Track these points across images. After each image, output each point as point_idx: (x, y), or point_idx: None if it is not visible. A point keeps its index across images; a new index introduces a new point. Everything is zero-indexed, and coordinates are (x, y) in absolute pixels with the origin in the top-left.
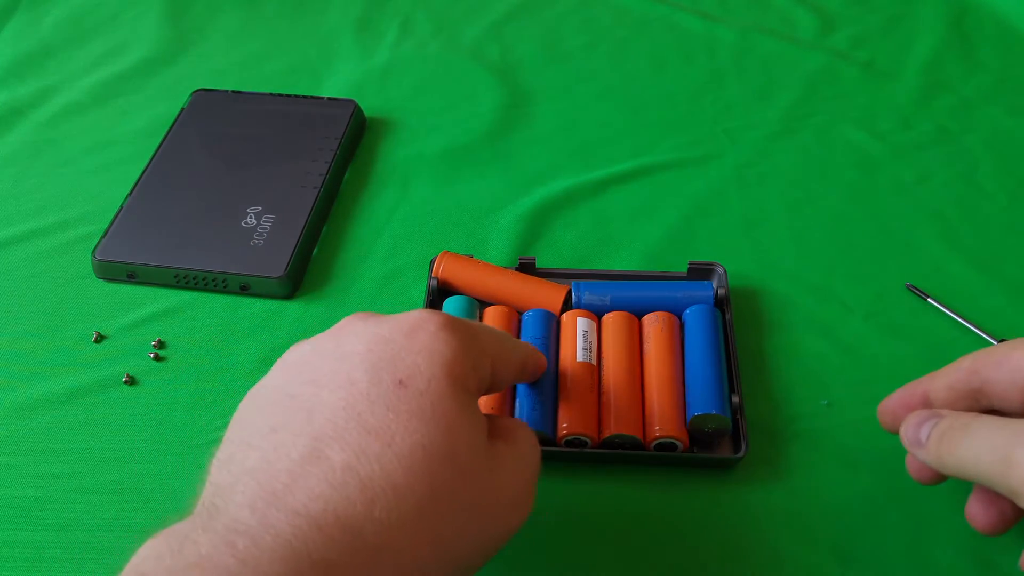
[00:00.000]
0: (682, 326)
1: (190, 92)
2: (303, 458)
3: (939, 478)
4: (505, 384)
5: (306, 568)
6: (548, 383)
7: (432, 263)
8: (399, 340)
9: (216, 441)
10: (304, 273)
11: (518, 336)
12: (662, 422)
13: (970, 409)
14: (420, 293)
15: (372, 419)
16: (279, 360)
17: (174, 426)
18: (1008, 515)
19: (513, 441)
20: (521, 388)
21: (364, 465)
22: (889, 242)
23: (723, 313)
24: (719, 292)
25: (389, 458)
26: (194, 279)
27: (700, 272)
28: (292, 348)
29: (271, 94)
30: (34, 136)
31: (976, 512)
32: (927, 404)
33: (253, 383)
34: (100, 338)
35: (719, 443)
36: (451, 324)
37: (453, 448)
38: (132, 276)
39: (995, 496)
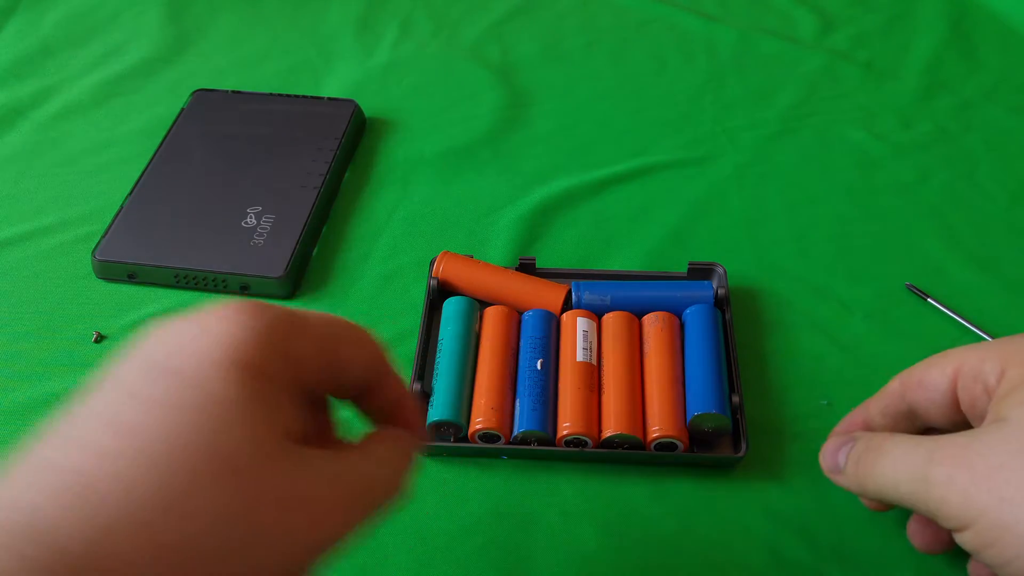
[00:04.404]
0: (682, 326)
1: (190, 92)
2: (30, 463)
3: (886, 504)
4: (353, 384)
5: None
6: (548, 383)
7: (432, 263)
8: (185, 327)
9: None
10: (304, 273)
11: (518, 337)
12: (662, 422)
13: (908, 431)
14: (420, 293)
15: (125, 414)
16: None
17: None
18: (943, 535)
19: (362, 453)
20: (521, 388)
21: (97, 467)
22: (889, 242)
23: (723, 313)
24: (719, 292)
25: (130, 457)
26: (194, 279)
27: (700, 272)
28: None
29: (271, 94)
30: (34, 136)
31: (914, 531)
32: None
33: None
34: (100, 338)
35: (719, 443)
36: (254, 308)
37: (217, 443)
38: (132, 276)
39: (929, 520)
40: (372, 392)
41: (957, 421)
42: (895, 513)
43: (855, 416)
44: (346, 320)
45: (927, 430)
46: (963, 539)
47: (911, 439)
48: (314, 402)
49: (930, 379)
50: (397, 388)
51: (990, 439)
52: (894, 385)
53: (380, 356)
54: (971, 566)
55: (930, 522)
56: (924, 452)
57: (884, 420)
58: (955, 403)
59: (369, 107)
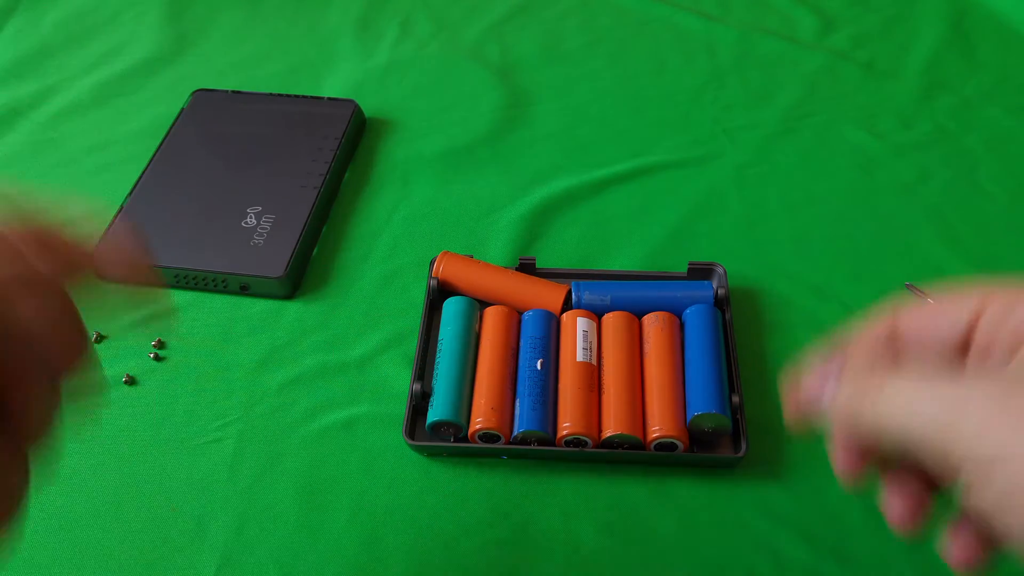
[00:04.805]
0: (682, 326)
1: (190, 92)
2: None
3: (862, 470)
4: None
5: None
6: (548, 383)
7: (432, 263)
8: None
9: (216, 441)
10: (304, 273)
11: (518, 337)
12: (662, 422)
13: None
14: (420, 293)
15: None
16: None
17: (174, 426)
18: (926, 502)
19: None
20: (521, 388)
21: None
22: (889, 242)
23: (723, 313)
24: (719, 292)
25: None
26: (194, 279)
27: (700, 272)
28: None
29: (271, 94)
30: (34, 136)
31: (955, 544)
32: None
33: (253, 383)
34: (100, 338)
35: (719, 443)
36: None
37: None
38: None
39: (914, 483)
40: None
41: (952, 365)
42: None
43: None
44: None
45: None
46: (990, 481)
47: (924, 373)
48: None
49: (945, 315)
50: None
51: None
52: (884, 316)
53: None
54: (950, 548)
55: (973, 531)
56: (954, 388)
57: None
58: (965, 345)
59: (369, 107)
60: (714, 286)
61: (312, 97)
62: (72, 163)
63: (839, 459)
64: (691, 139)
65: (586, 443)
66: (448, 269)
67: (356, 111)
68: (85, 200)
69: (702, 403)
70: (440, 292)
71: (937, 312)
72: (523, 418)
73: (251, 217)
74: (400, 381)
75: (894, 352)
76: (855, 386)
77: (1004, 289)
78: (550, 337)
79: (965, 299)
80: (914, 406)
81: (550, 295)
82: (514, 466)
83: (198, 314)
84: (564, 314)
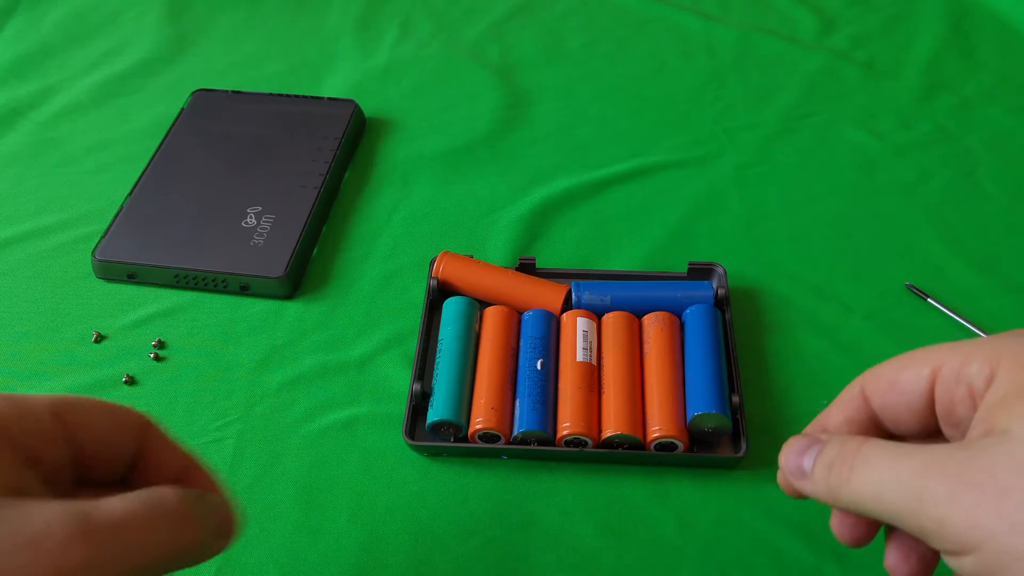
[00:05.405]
0: (682, 326)
1: (190, 92)
2: None
3: (865, 534)
4: (109, 454)
5: None
6: (548, 383)
7: (432, 263)
8: None
9: (216, 441)
10: (304, 273)
11: (518, 337)
12: (662, 422)
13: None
14: (420, 293)
15: None
16: None
17: (174, 426)
18: (928, 559)
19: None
20: (521, 388)
21: None
22: (889, 242)
23: (723, 313)
24: (719, 292)
25: None
26: (194, 279)
27: (700, 272)
28: None
29: (271, 94)
30: (34, 136)
31: (896, 562)
32: None
33: (253, 383)
34: (100, 338)
35: (719, 443)
36: None
37: None
38: (132, 276)
39: (914, 543)
40: (146, 463)
41: (930, 428)
42: None
43: (813, 427)
44: (91, 398)
45: (890, 438)
46: (962, 564)
47: (894, 446)
48: (65, 478)
49: (904, 381)
50: (176, 454)
51: (995, 455)
52: (855, 389)
53: (138, 423)
54: (890, 558)
55: (914, 549)
56: (916, 464)
57: (849, 430)
58: (931, 408)
59: (369, 107)
60: (714, 286)
61: (312, 97)
62: (72, 163)
63: (836, 525)
64: (691, 139)
65: (586, 443)
66: (448, 269)
67: (356, 111)
68: (85, 200)
69: (702, 403)
70: (440, 292)
71: (896, 381)
72: (523, 418)
73: (251, 217)
74: (400, 381)
75: (869, 420)
76: (829, 462)
77: (956, 347)
78: (550, 337)
79: (918, 364)
80: (881, 485)
81: (550, 295)
82: (514, 466)
83: (198, 314)
84: (564, 314)
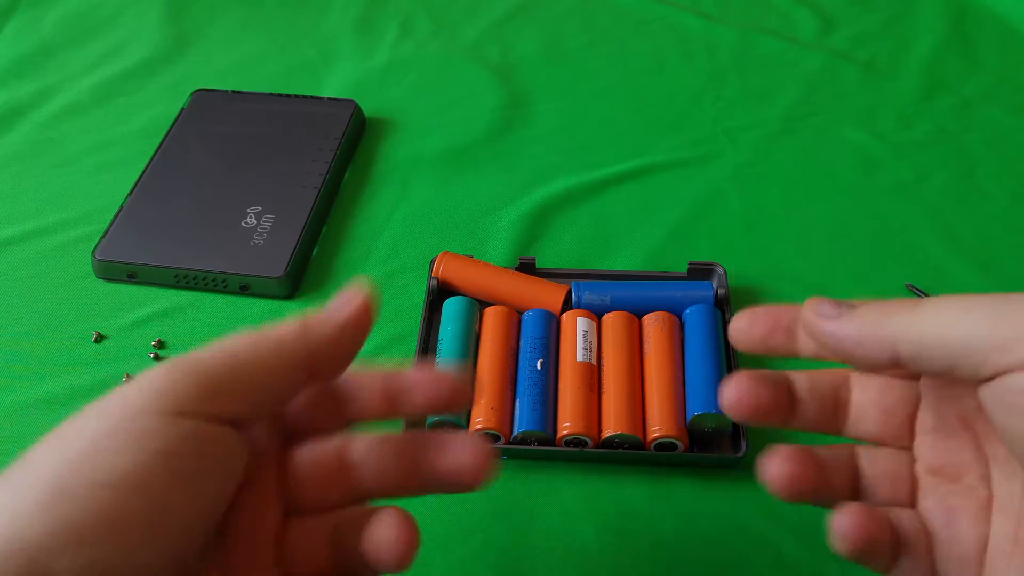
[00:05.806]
0: (682, 326)
1: (190, 92)
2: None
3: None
4: (273, 397)
5: None
6: (548, 383)
7: (432, 263)
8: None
9: None
10: (304, 273)
11: (518, 337)
12: (662, 422)
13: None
14: (420, 293)
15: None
16: None
17: None
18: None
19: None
20: (521, 388)
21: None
22: (889, 242)
23: (723, 313)
24: (719, 292)
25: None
26: (194, 279)
27: (700, 272)
28: None
29: (271, 94)
30: (34, 136)
31: (843, 524)
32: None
33: None
34: (100, 338)
35: (719, 443)
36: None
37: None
38: (132, 276)
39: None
40: (354, 385)
41: None
42: None
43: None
44: (258, 353)
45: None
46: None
47: (965, 296)
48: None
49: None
50: (380, 373)
51: None
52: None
53: (284, 377)
54: (837, 519)
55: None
56: (990, 306)
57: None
58: None
59: (369, 107)
60: (714, 286)
61: (312, 97)
62: (72, 163)
63: (769, 468)
64: (691, 139)
65: (586, 443)
66: (448, 269)
67: (356, 111)
68: (86, 200)
69: (702, 403)
70: (440, 292)
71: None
72: (523, 418)
73: (251, 217)
74: None
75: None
76: (879, 309)
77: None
78: (550, 337)
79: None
80: (957, 316)
81: (550, 295)
82: (514, 466)
83: (198, 314)
84: (564, 314)
